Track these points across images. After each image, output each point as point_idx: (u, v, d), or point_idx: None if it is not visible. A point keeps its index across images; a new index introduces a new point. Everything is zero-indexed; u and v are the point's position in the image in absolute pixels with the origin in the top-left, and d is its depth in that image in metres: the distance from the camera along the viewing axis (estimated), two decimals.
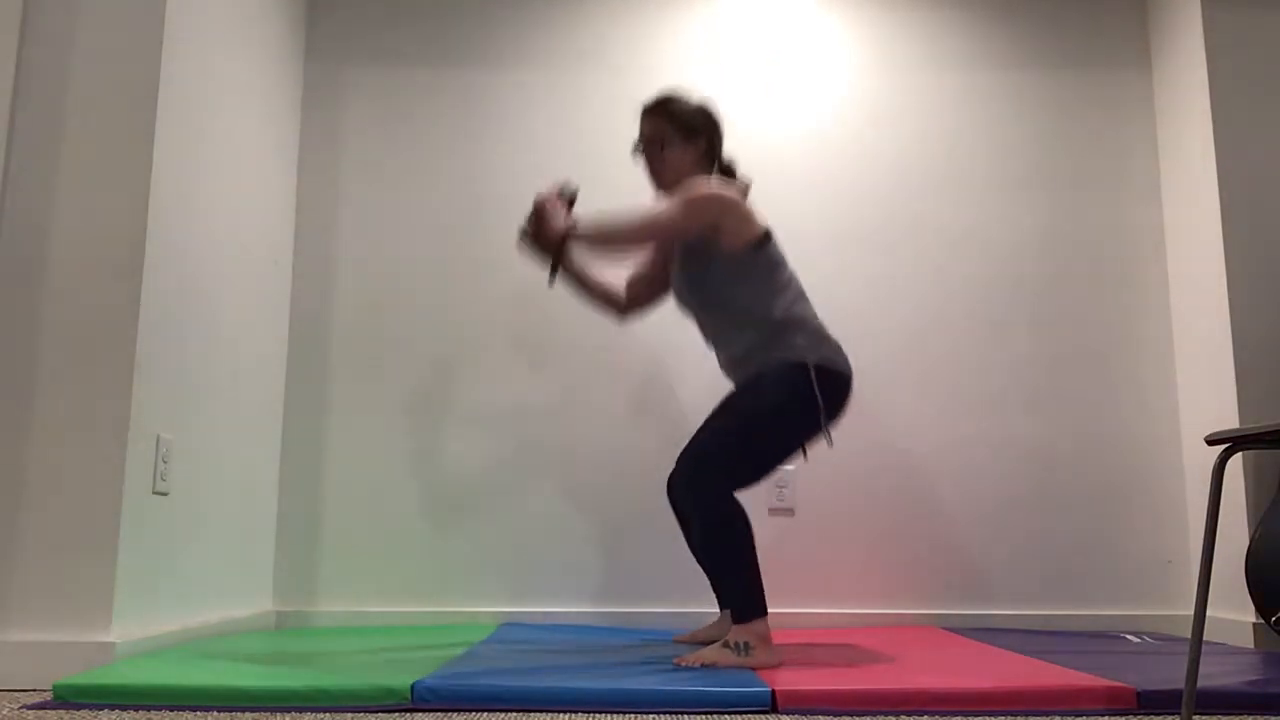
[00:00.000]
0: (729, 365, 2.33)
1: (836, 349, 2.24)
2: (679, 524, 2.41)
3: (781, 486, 2.90)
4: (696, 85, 3.13)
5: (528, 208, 2.36)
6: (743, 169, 3.08)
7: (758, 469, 2.20)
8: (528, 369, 2.98)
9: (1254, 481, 2.67)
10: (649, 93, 3.10)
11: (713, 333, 2.34)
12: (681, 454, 2.19)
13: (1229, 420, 2.73)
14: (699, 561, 2.37)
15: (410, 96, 3.11)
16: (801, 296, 2.28)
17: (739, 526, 2.09)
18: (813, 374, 2.16)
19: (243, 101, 2.66)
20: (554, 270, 2.31)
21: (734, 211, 2.22)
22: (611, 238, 2.20)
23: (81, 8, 2.16)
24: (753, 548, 2.09)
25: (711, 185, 2.23)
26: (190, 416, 2.35)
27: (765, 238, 2.25)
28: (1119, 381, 3.01)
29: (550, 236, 2.24)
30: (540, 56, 3.14)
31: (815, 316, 2.28)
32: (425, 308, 3.01)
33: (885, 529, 2.92)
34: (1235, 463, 2.69)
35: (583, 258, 2.37)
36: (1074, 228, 3.08)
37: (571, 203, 2.33)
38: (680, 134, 2.34)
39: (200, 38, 2.38)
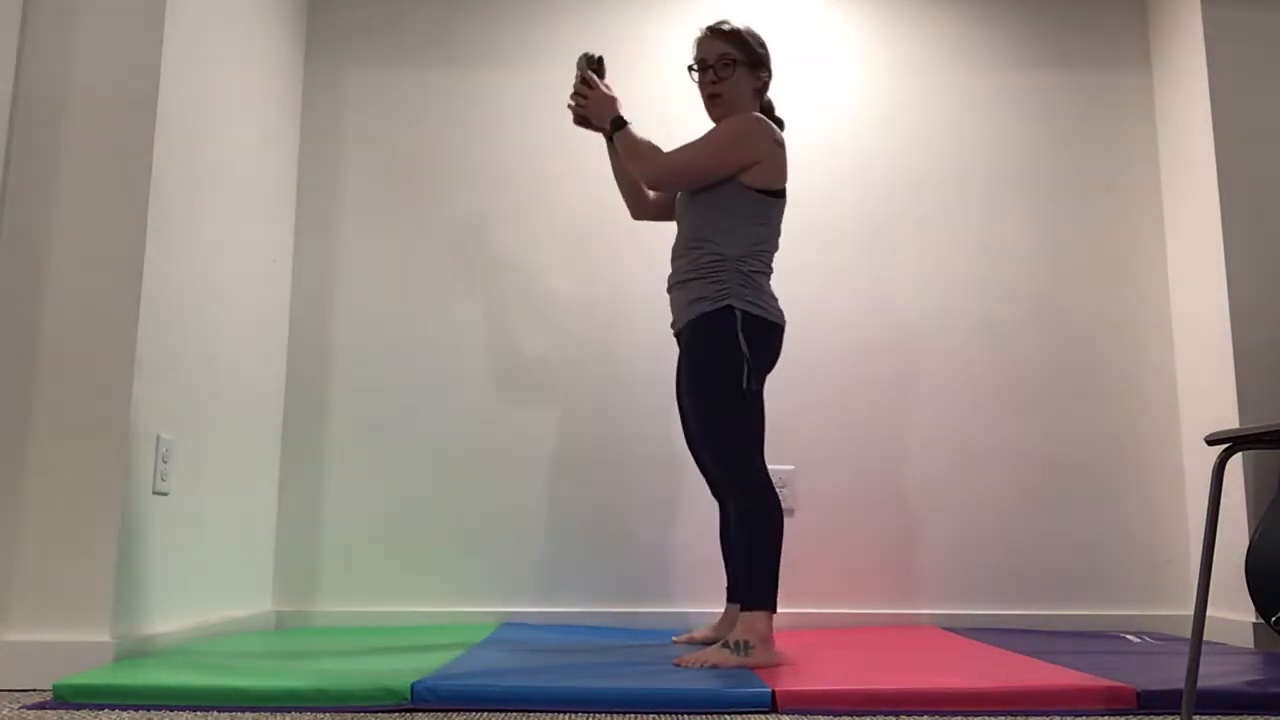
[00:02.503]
0: (672, 280, 2.30)
1: (771, 299, 2.22)
2: (721, 515, 2.45)
3: (782, 486, 2.90)
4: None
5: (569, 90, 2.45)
6: None
7: (751, 422, 2.18)
8: (528, 368, 2.98)
9: (1254, 481, 2.67)
10: (650, 91, 3.10)
11: (679, 242, 2.31)
12: (702, 466, 2.32)
13: (1229, 420, 2.73)
14: (724, 548, 2.39)
15: (410, 96, 3.11)
16: (767, 259, 2.25)
17: (778, 524, 2.11)
18: (738, 319, 2.14)
19: (243, 101, 2.66)
20: (610, 145, 2.40)
21: (773, 155, 2.22)
22: (639, 155, 2.26)
23: (81, 8, 2.16)
24: (780, 542, 2.11)
25: (763, 122, 2.22)
26: (190, 416, 2.35)
27: (778, 194, 2.25)
28: (1119, 381, 3.01)
29: (598, 117, 2.33)
30: (541, 56, 3.14)
31: (766, 277, 2.24)
32: (426, 307, 3.01)
33: (885, 529, 2.92)
34: (1235, 463, 2.69)
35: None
36: (1074, 228, 3.08)
37: (600, 69, 2.39)
38: (749, 61, 2.32)
39: (200, 38, 2.38)
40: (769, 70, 2.36)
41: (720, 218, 2.21)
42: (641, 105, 3.10)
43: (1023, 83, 3.15)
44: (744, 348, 2.14)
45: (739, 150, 2.20)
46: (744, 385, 2.14)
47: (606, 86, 2.38)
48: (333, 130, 3.10)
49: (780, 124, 2.39)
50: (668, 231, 3.16)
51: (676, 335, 2.31)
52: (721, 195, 2.22)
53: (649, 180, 2.27)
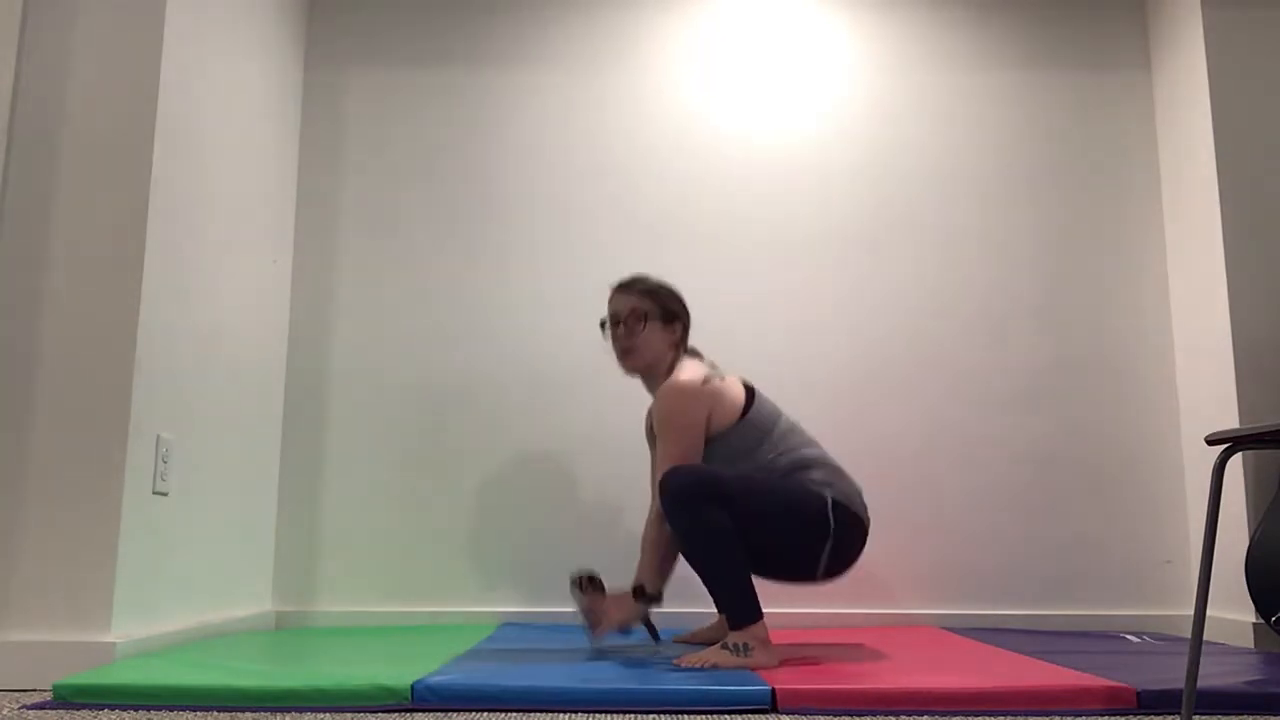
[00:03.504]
0: None
1: (855, 490, 2.23)
2: (674, 533, 2.39)
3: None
4: (696, 85, 3.13)
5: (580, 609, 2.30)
6: (734, 175, 3.09)
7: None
8: (529, 368, 2.98)
9: (1254, 481, 2.67)
10: (648, 92, 3.11)
11: None
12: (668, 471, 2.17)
13: (1229, 420, 2.73)
14: (695, 569, 2.37)
15: (410, 97, 3.11)
16: (808, 442, 2.27)
17: (721, 533, 2.06)
18: (829, 505, 2.16)
19: (243, 101, 2.66)
20: (651, 631, 2.35)
21: (715, 400, 2.22)
22: (672, 552, 2.26)
23: (81, 9, 2.16)
24: (738, 554, 2.07)
25: (682, 376, 2.22)
26: (190, 416, 2.35)
27: (748, 405, 2.25)
28: (1119, 381, 3.01)
29: (623, 623, 2.25)
30: (540, 57, 3.14)
31: (827, 456, 2.26)
32: (426, 307, 3.01)
33: (886, 529, 2.92)
34: (1235, 463, 2.69)
35: (652, 580, 2.27)
36: (1074, 228, 3.08)
37: (596, 583, 2.27)
38: (661, 316, 2.34)
39: (200, 38, 2.38)
40: (685, 321, 2.37)
41: (738, 461, 2.21)
42: (641, 105, 3.11)
43: (1022, 83, 3.15)
44: (831, 528, 2.15)
45: (692, 421, 2.20)
46: (817, 554, 2.16)
47: (603, 600, 2.27)
48: (333, 130, 3.10)
49: (696, 354, 2.40)
50: (669, 230, 3.17)
51: None
52: (720, 451, 2.23)
53: (691, 494, 2.12)
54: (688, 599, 2.86)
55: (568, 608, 2.85)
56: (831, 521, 2.15)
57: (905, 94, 3.15)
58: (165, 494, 2.23)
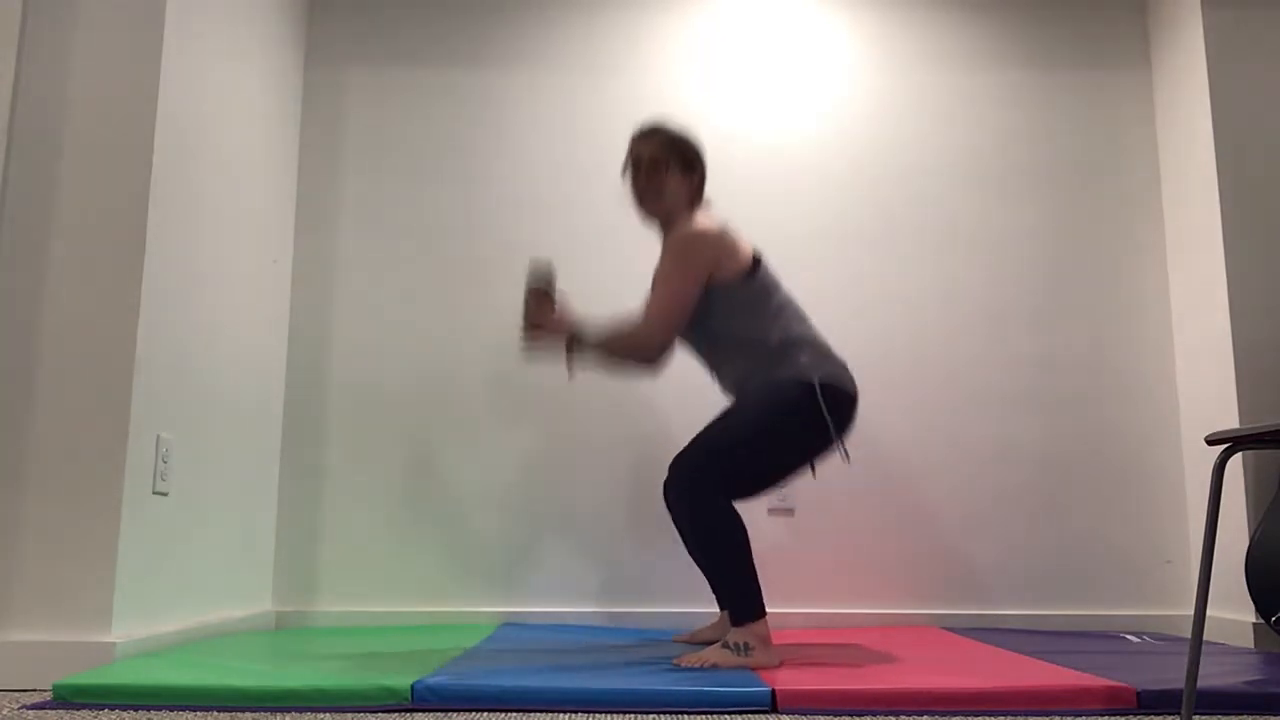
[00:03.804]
0: (730, 388, 2.31)
1: (841, 367, 2.23)
2: (676, 529, 2.39)
3: (782, 486, 2.90)
4: (697, 85, 3.13)
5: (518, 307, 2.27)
6: (734, 175, 3.09)
7: (756, 482, 2.19)
8: (529, 368, 2.98)
9: (1254, 481, 2.67)
10: (648, 92, 3.11)
11: (712, 362, 2.33)
12: (674, 461, 2.16)
13: (1229, 420, 2.73)
14: (697, 564, 2.37)
15: (410, 98, 3.11)
16: (800, 317, 2.26)
17: (733, 530, 2.07)
18: (819, 391, 2.15)
19: (243, 101, 2.66)
20: (569, 364, 2.30)
21: (725, 247, 2.22)
22: (627, 350, 2.20)
23: (81, 9, 2.16)
24: (747, 550, 2.08)
25: (698, 223, 2.22)
26: (190, 416, 2.35)
27: (755, 264, 2.25)
28: (1119, 381, 3.01)
29: (552, 335, 2.23)
30: (540, 57, 3.14)
31: (817, 335, 2.26)
32: (426, 306, 3.01)
33: (885, 529, 2.92)
34: (1235, 463, 2.69)
35: (593, 331, 2.24)
36: (1074, 227, 3.08)
37: (549, 287, 2.26)
38: (680, 163, 2.33)
39: (200, 38, 2.38)
40: (702, 169, 2.36)
41: (735, 321, 2.21)
42: (641, 106, 3.11)
43: (1022, 82, 3.15)
44: (826, 416, 2.15)
45: (695, 270, 2.19)
46: (823, 448, 2.17)
47: (556, 302, 2.26)
48: (333, 130, 3.10)
49: (707, 204, 2.41)
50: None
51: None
52: (718, 306, 2.22)
53: (651, 359, 2.20)
54: (688, 599, 2.86)
55: (568, 608, 2.86)
56: (825, 407, 2.15)
57: (905, 94, 3.15)
58: (165, 494, 2.23)
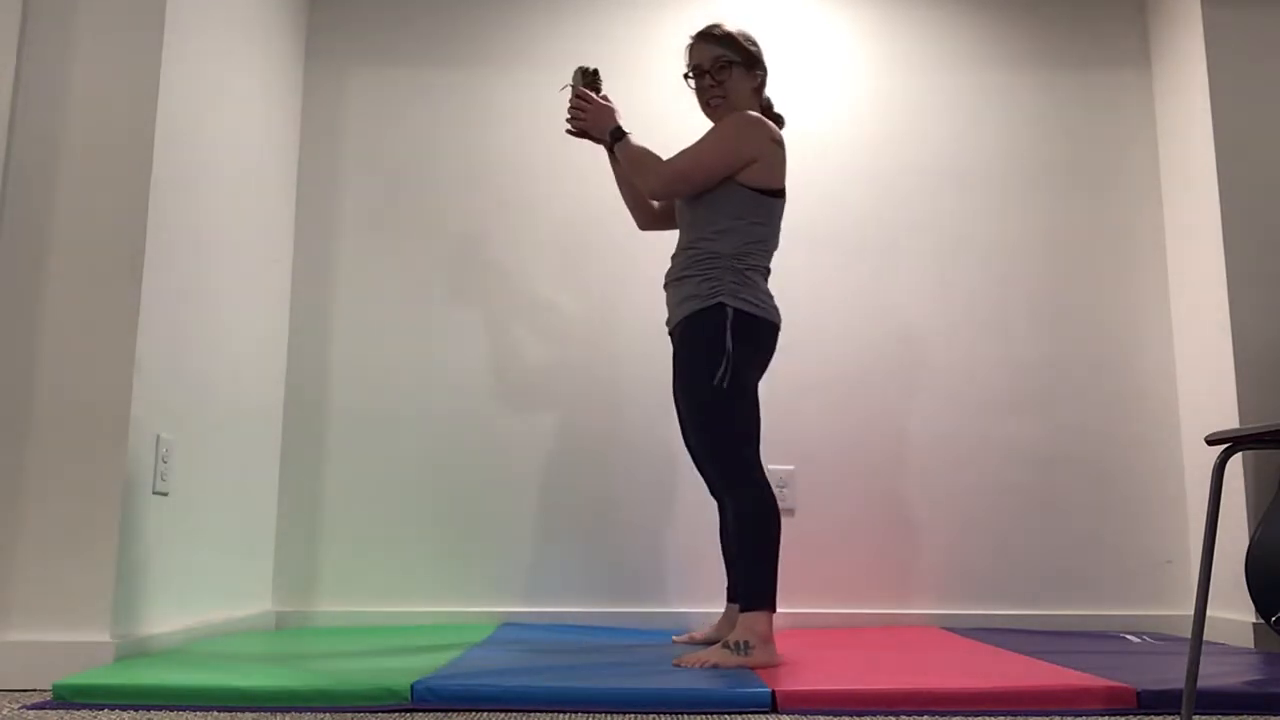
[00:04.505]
0: (668, 278, 2.30)
1: (767, 297, 2.21)
2: (721, 516, 2.43)
3: (781, 486, 2.90)
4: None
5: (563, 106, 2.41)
6: None
7: (740, 419, 2.16)
8: (528, 367, 2.98)
9: (1254, 481, 2.67)
10: (649, 91, 3.10)
11: (679, 243, 2.31)
12: (698, 465, 2.30)
13: (1229, 420, 2.73)
14: (724, 549, 2.41)
15: (410, 96, 3.11)
16: (765, 257, 2.24)
17: (775, 521, 2.10)
18: (729, 316, 2.13)
19: (243, 101, 2.66)
20: (611, 155, 2.37)
21: (772, 155, 2.21)
22: (643, 168, 2.24)
23: (81, 9, 2.16)
24: (777, 540, 2.10)
25: (761, 120, 2.21)
26: (190, 416, 2.35)
27: (777, 193, 2.24)
28: (1119, 381, 3.01)
29: (597, 129, 2.33)
30: (541, 56, 3.14)
31: (762, 274, 2.22)
32: (426, 306, 3.01)
33: (885, 529, 2.92)
34: (1235, 463, 2.69)
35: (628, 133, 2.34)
36: (1074, 228, 3.08)
37: (596, 82, 2.39)
38: (745, 61, 2.30)
39: (200, 38, 2.38)
40: (764, 68, 2.34)
41: (716, 216, 2.20)
42: (642, 106, 3.11)
43: (1022, 82, 3.15)
44: (729, 345, 2.12)
45: (738, 148, 2.18)
46: (725, 380, 2.12)
47: (604, 98, 2.38)
48: (333, 130, 3.10)
49: (780, 121, 2.38)
50: (667, 232, 3.16)
51: (671, 334, 2.30)
52: (719, 194, 2.20)
53: (653, 191, 2.25)
54: (688, 599, 2.86)
55: (568, 608, 2.86)
56: (730, 333, 2.12)
57: (904, 93, 3.15)
58: (165, 494, 2.23)
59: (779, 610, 2.83)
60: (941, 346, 3.02)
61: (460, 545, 2.90)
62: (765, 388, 2.87)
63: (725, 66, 2.28)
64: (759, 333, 2.18)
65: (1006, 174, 3.11)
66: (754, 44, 2.33)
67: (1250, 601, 2.54)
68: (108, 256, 2.09)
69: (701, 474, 2.40)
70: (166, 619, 2.24)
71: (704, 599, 2.83)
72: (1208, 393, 2.84)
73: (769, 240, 2.25)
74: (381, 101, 3.11)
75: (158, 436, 2.18)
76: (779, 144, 2.23)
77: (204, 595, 2.45)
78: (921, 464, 2.96)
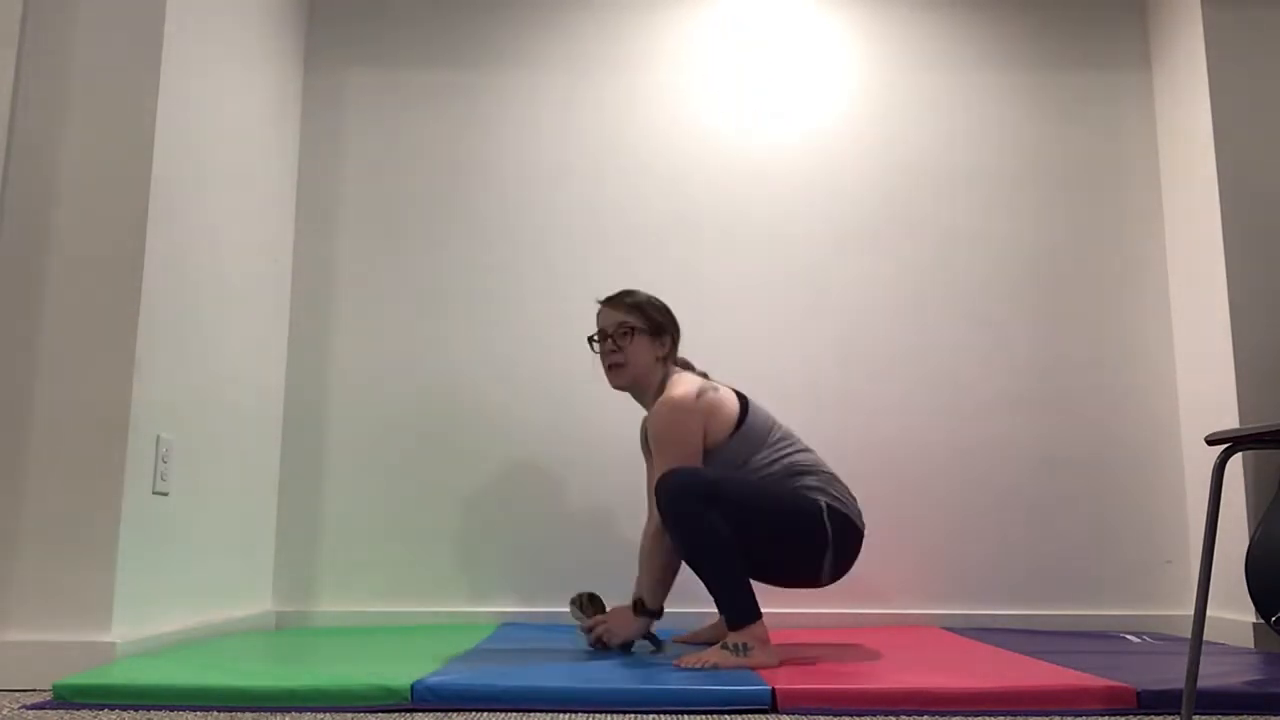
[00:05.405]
0: None
1: (849, 495, 2.24)
2: (670, 536, 2.38)
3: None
4: (696, 85, 3.13)
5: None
6: (732, 177, 3.09)
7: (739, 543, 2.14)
8: (528, 368, 2.98)
9: (1254, 481, 2.66)
10: (648, 92, 3.11)
11: None
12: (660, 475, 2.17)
13: (1229, 420, 2.73)
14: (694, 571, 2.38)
15: (410, 98, 3.11)
16: (801, 447, 2.28)
17: (718, 535, 2.06)
18: (825, 512, 2.16)
19: (243, 102, 2.66)
20: (654, 641, 2.33)
21: (708, 410, 2.22)
22: (673, 563, 2.23)
23: (81, 9, 2.16)
24: (735, 554, 2.07)
25: (675, 392, 2.22)
26: (190, 416, 2.35)
27: (743, 416, 2.25)
28: (1119, 381, 3.01)
29: (625, 639, 2.25)
30: (540, 58, 3.14)
31: (821, 462, 2.27)
32: (426, 306, 3.01)
33: (885, 529, 2.92)
34: (1235, 463, 2.69)
35: (651, 594, 2.26)
36: (1074, 228, 3.08)
37: (599, 606, 2.34)
38: (649, 329, 2.33)
39: (200, 38, 2.38)
40: (672, 336, 2.36)
41: (737, 469, 2.22)
42: (643, 106, 3.11)
43: (1022, 82, 3.15)
44: (829, 535, 2.16)
45: (685, 442, 2.19)
46: (814, 564, 2.18)
47: (604, 619, 2.29)
48: (333, 130, 3.10)
49: (689, 366, 2.41)
50: (669, 230, 3.17)
51: None
52: (717, 461, 2.22)
53: (690, 510, 2.11)
54: (688, 599, 2.86)
55: (567, 608, 2.85)
56: (829, 528, 2.16)
57: (904, 94, 3.15)
58: (165, 494, 2.23)
59: (778, 610, 2.83)
60: (942, 346, 3.01)
61: (460, 545, 2.89)
62: (765, 387, 2.88)
63: (628, 333, 2.31)
64: (846, 531, 2.20)
65: (1007, 174, 3.11)
66: (663, 312, 2.36)
67: (1250, 601, 2.54)
68: (108, 257, 2.09)
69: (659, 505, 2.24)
70: (166, 619, 2.24)
71: (704, 599, 2.83)
72: (1208, 393, 2.84)
73: (785, 437, 2.27)
74: (381, 103, 3.11)
75: (158, 436, 2.18)
76: (702, 399, 2.22)
77: (204, 595, 2.45)
78: (922, 464, 2.96)
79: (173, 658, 2.02)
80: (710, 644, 2.30)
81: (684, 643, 2.43)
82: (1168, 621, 2.87)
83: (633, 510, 2.91)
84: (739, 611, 2.06)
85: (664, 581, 2.26)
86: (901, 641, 2.47)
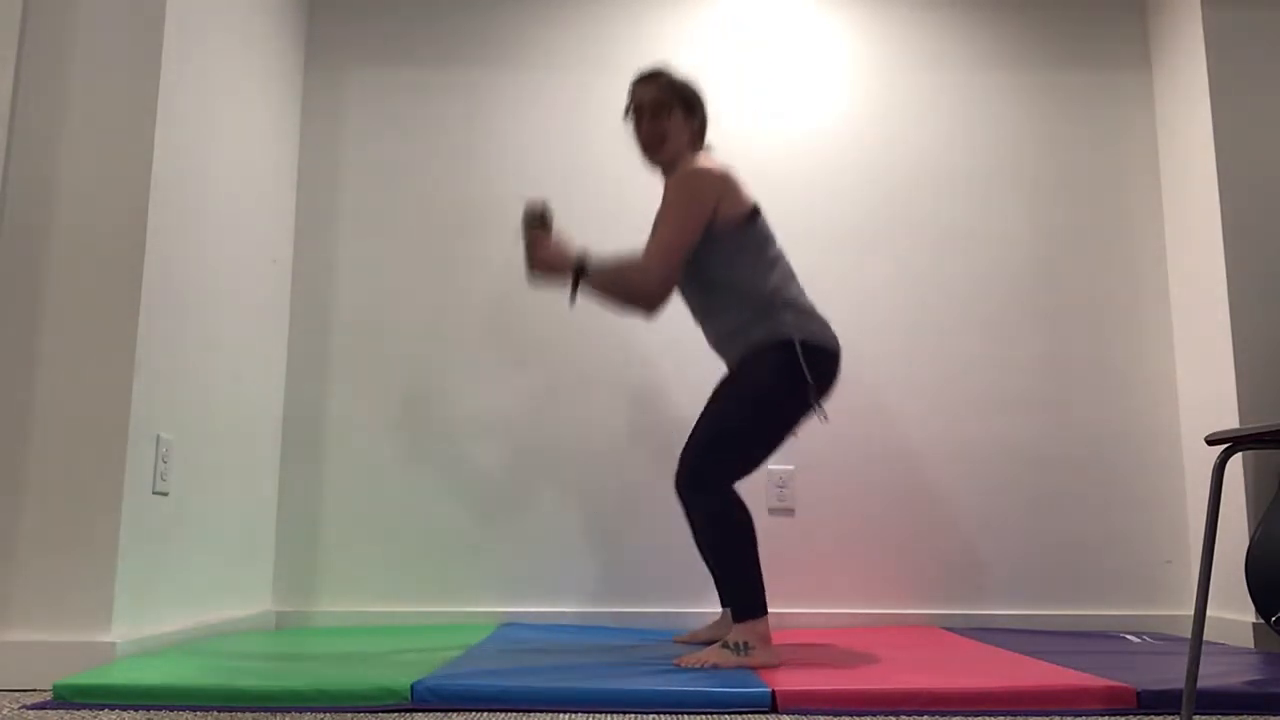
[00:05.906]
0: (717, 341, 2.32)
1: (823, 325, 2.24)
2: (688, 522, 2.41)
3: (781, 486, 2.90)
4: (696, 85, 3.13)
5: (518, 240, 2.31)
6: (737, 163, 3.09)
7: (753, 456, 2.19)
8: (527, 370, 2.98)
9: (1254, 481, 2.67)
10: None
11: (701, 310, 2.32)
12: (681, 454, 2.19)
13: (1229, 420, 2.73)
14: (704, 558, 2.38)
15: (410, 97, 3.11)
16: (789, 274, 2.27)
17: (741, 525, 2.09)
18: (799, 350, 2.16)
19: (243, 102, 2.66)
20: (573, 294, 2.27)
21: (729, 188, 2.22)
22: (626, 289, 2.17)
23: (81, 9, 2.16)
24: (754, 546, 2.09)
25: (700, 163, 2.22)
26: (190, 416, 2.35)
27: (754, 212, 2.25)
28: (1119, 381, 3.01)
29: (553, 269, 2.22)
30: (540, 57, 3.14)
31: (803, 294, 2.27)
32: (425, 308, 3.01)
33: (885, 529, 2.92)
34: (1235, 463, 2.69)
35: (595, 260, 2.25)
36: (1074, 228, 3.08)
37: (546, 222, 2.28)
38: (682, 105, 2.33)
39: (200, 38, 2.38)
40: (704, 112, 2.37)
41: (729, 268, 2.21)
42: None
43: (1022, 82, 3.15)
44: (808, 377, 2.16)
45: (700, 201, 2.18)
46: (807, 409, 2.18)
47: (555, 235, 2.28)
48: (333, 130, 3.10)
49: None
50: None
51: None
52: (714, 249, 2.21)
53: (650, 299, 2.16)
54: (688, 599, 2.86)
55: (568, 608, 2.86)
56: (806, 371, 2.16)
57: (904, 94, 3.15)
58: (165, 494, 2.23)
59: (778, 610, 2.83)
60: (941, 345, 3.02)
61: (460, 545, 2.90)
62: None
63: (665, 109, 2.31)
64: (824, 362, 2.20)
65: (1007, 174, 3.11)
66: (693, 89, 2.36)
67: (1250, 601, 2.54)
68: (108, 257, 2.09)
69: (679, 496, 2.25)
70: (166, 619, 2.24)
71: (704, 599, 2.83)
72: (1208, 393, 2.84)
73: (779, 257, 2.26)
74: (381, 102, 3.11)
75: (158, 436, 2.18)
76: (725, 175, 2.23)
77: (204, 595, 2.45)
78: (921, 464, 2.96)
79: (173, 658, 2.02)
80: (710, 643, 2.30)
81: (684, 643, 2.43)
82: (1168, 621, 2.87)
83: (633, 510, 2.91)
84: (747, 606, 2.07)
85: (613, 269, 2.19)
86: (901, 641, 2.47)
